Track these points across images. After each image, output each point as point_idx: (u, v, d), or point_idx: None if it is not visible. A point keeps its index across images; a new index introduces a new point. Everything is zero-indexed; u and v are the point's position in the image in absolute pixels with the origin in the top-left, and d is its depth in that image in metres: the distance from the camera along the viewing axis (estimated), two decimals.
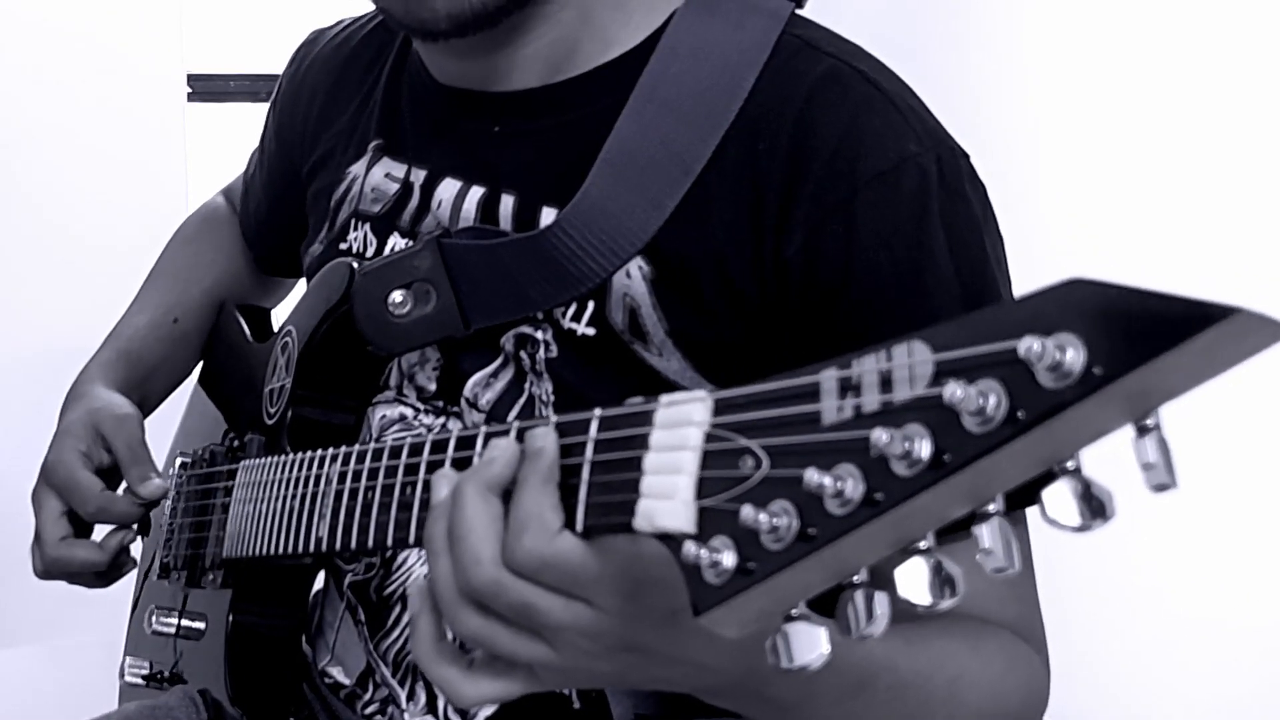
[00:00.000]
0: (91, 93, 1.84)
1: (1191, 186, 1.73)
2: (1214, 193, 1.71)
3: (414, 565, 0.94)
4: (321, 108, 1.08)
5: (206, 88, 2.04)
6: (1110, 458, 0.43)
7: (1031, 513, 0.43)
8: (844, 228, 0.79)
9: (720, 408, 0.50)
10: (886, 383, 0.44)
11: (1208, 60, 1.71)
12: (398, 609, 0.95)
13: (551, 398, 0.88)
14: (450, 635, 0.63)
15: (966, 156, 0.85)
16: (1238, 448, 1.62)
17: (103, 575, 1.08)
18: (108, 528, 1.08)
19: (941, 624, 0.64)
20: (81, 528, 1.09)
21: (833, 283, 0.80)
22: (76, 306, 1.78)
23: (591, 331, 0.86)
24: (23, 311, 1.85)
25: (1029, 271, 0.88)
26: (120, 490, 1.08)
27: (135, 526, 1.07)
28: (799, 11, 0.88)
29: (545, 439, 0.58)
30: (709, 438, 0.50)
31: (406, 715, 0.94)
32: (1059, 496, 0.41)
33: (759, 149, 0.82)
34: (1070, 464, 0.41)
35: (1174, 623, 1.76)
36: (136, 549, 1.10)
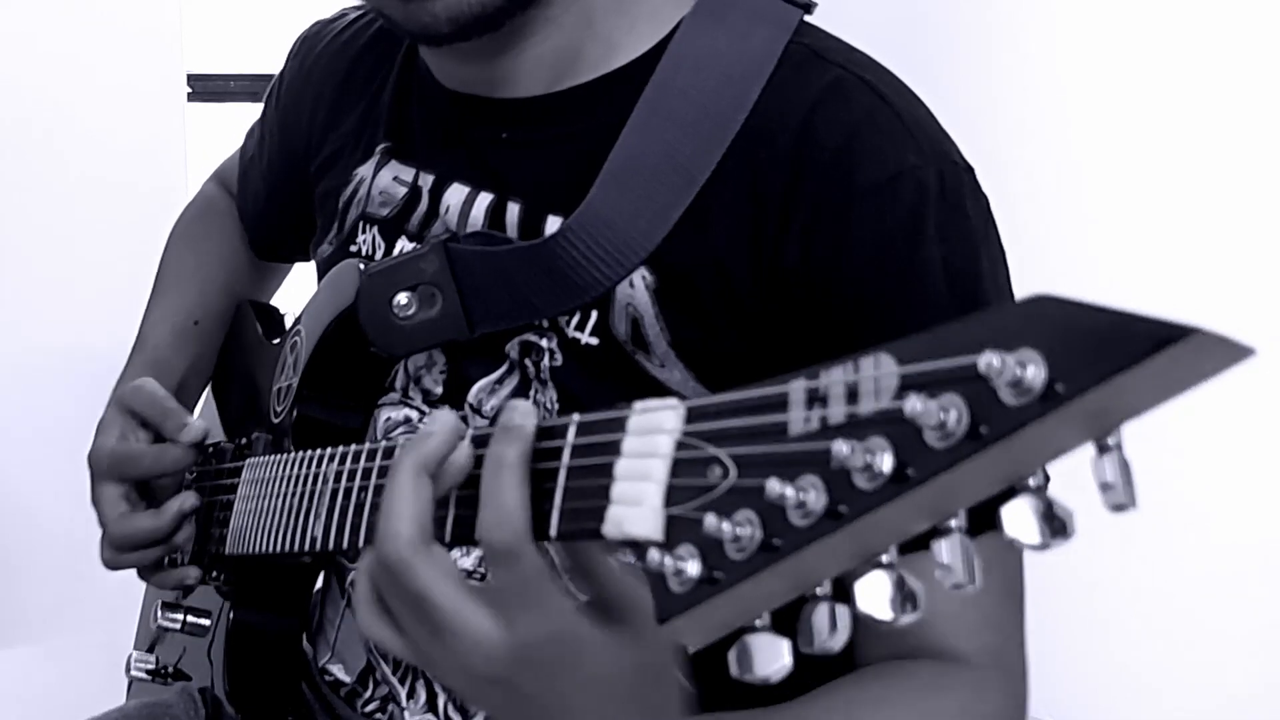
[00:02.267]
0: (91, 93, 1.84)
1: (1198, 196, 1.73)
2: (1220, 201, 1.71)
3: None
4: (329, 107, 1.08)
5: (206, 88, 2.05)
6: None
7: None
8: (838, 235, 0.79)
9: (692, 416, 0.50)
10: (853, 395, 0.43)
11: (1215, 69, 1.71)
12: None
13: (556, 406, 0.88)
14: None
15: (971, 171, 0.84)
16: (1236, 447, 1.62)
17: (170, 548, 1.04)
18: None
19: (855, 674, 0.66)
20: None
21: (826, 292, 0.80)
22: (77, 306, 1.79)
23: (595, 341, 0.86)
24: (23, 312, 1.86)
25: (1034, 280, 0.88)
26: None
27: (193, 494, 1.04)
28: (807, 19, 0.88)
29: (525, 416, 0.59)
30: (680, 445, 0.50)
31: (407, 713, 0.95)
32: (1019, 514, 0.40)
33: (761, 159, 0.82)
34: (1032, 481, 0.41)
35: (1173, 624, 1.76)
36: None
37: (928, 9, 2.05)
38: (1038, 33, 1.96)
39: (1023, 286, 0.85)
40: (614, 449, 0.53)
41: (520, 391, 0.89)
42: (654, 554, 0.48)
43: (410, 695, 0.95)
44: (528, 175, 0.90)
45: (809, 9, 0.88)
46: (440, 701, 0.93)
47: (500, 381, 0.90)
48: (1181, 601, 1.74)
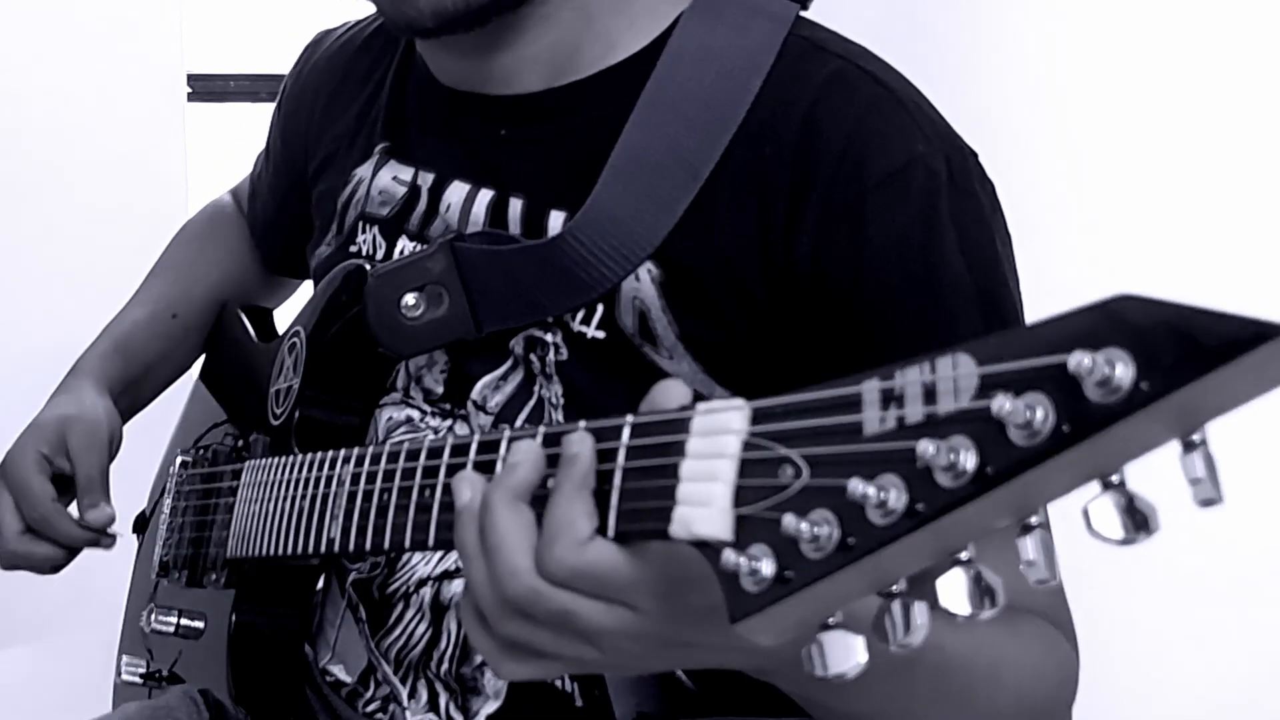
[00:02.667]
0: (91, 93, 1.83)
1: (1196, 187, 1.74)
2: (1220, 193, 1.72)
3: (417, 564, 0.95)
4: (325, 108, 1.08)
5: (206, 88, 2.03)
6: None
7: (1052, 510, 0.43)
8: (854, 230, 0.80)
9: (758, 416, 0.50)
10: (930, 395, 0.44)
11: (1215, 62, 1.72)
12: (400, 607, 0.95)
13: (561, 400, 0.88)
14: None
15: (975, 155, 0.86)
16: (1238, 444, 1.63)
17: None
18: None
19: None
20: None
21: (844, 285, 0.80)
22: (76, 306, 1.77)
23: (601, 335, 0.86)
24: (22, 311, 1.85)
25: (1035, 272, 0.89)
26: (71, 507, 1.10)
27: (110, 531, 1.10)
28: (803, 14, 0.89)
29: (581, 445, 0.57)
30: (747, 446, 0.50)
31: (408, 713, 0.94)
32: (1103, 510, 0.41)
33: (766, 152, 0.82)
34: (1115, 478, 0.41)
35: (1174, 623, 1.77)
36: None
37: (926, 6, 2.06)
38: (1037, 28, 1.97)
39: (1026, 284, 0.86)
40: (678, 450, 0.53)
41: (524, 387, 0.89)
42: (728, 554, 0.48)
43: (412, 695, 0.95)
44: (528, 172, 0.90)
45: (805, 4, 0.90)
46: (442, 701, 0.93)
47: (505, 377, 0.90)
48: (1182, 601, 1.76)
